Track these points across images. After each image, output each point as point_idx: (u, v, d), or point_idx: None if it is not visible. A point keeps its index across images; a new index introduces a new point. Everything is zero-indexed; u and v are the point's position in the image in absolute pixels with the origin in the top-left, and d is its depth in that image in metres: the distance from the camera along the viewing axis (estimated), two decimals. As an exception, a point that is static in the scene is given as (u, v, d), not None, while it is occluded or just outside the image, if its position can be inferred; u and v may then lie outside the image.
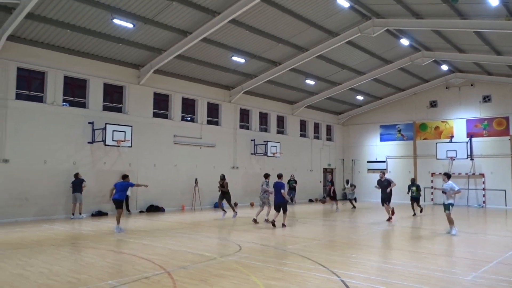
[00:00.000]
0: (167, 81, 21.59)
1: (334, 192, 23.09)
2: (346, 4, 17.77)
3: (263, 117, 27.86)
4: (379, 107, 32.32)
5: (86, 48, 17.99)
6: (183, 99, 22.66)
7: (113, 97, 19.88)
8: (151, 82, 20.69)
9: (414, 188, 19.60)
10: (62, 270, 7.83)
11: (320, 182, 31.76)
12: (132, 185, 13.77)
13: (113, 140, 18.17)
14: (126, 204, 18.97)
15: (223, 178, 18.30)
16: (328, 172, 32.53)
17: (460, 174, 27.51)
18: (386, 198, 17.10)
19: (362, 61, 24.49)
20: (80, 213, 17.12)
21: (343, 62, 24.24)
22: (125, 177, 14.00)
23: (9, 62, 16.14)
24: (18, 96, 16.51)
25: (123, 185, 13.56)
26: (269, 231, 13.56)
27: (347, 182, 26.55)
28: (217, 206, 19.55)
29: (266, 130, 27.88)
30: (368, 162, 32.46)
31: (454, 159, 27.21)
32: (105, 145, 18.15)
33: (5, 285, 6.74)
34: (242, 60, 21.58)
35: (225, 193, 18.09)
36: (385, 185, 17.15)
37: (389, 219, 16.93)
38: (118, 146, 18.46)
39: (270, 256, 9.25)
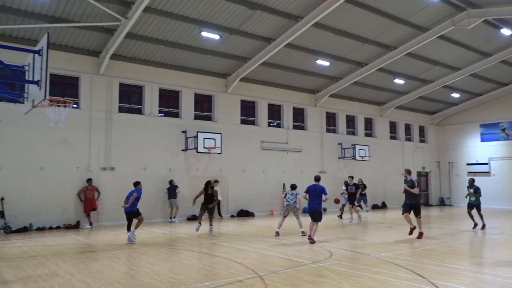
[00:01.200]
0: (253, 88, 22.11)
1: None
2: (437, -3, 16.78)
3: (350, 120, 27.24)
4: (479, 104, 29.88)
5: (177, 61, 19.13)
6: (269, 105, 23.02)
7: (203, 106, 20.85)
8: (238, 90, 21.33)
9: (471, 191, 15.39)
10: (163, 270, 8.36)
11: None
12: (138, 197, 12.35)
13: (204, 148, 19.07)
14: (218, 209, 19.72)
15: (208, 184, 14.41)
16: (422, 175, 30.74)
17: None
18: (414, 206, 12.85)
19: (457, 56, 22.89)
20: (175, 217, 18.20)
21: (435, 58, 22.88)
22: (136, 184, 12.72)
23: (113, 79, 17.73)
24: (121, 109, 18.06)
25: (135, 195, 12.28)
26: (360, 238, 13.18)
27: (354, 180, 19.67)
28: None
29: (353, 133, 27.22)
30: (467, 164, 30.09)
31: None
32: (197, 152, 19.10)
33: (115, 282, 7.37)
34: (326, 63, 21.35)
35: (209, 202, 14.27)
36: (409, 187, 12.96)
37: (413, 232, 12.92)
38: (209, 153, 19.32)
39: (362, 263, 8.99)
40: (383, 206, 27.35)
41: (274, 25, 17.52)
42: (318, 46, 19.93)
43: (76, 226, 16.21)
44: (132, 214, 12.26)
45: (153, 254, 10.32)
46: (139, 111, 18.70)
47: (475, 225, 15.26)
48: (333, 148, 25.56)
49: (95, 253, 10.55)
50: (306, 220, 13.11)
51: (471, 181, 15.81)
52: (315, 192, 12.20)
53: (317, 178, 12.72)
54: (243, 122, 21.98)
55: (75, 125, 16.17)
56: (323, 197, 12.15)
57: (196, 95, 20.38)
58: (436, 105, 30.55)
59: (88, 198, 16.42)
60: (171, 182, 18.41)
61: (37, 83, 8.41)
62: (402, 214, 12.94)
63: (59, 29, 15.55)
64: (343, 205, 19.12)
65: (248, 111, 22.40)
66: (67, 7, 14.49)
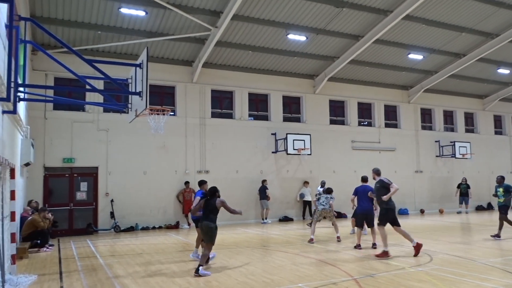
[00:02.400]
0: (342, 88, 21.70)
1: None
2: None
3: (448, 116, 25.47)
4: None
5: (265, 65, 19.49)
6: (359, 103, 22.43)
7: (292, 108, 20.97)
8: (326, 90, 21.09)
9: (500, 190, 12.86)
10: (257, 270, 8.57)
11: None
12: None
13: (294, 149, 19.17)
14: (309, 210, 19.68)
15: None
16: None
17: None
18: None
19: None
20: (266, 218, 18.50)
21: (547, 43, 20.49)
22: (202, 183, 10.40)
23: (205, 86, 18.64)
24: (213, 114, 18.90)
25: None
26: (463, 241, 12.25)
27: (323, 185, 16.19)
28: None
29: (452, 130, 25.41)
30: None
31: None
32: (287, 154, 19.26)
33: (213, 280, 7.73)
34: (419, 57, 20.25)
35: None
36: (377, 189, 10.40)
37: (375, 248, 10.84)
38: (299, 154, 19.38)
39: (467, 269, 8.35)
40: (489, 207, 25.06)
41: (361, 21, 17.07)
42: (410, 40, 18.97)
43: (176, 226, 17.29)
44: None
45: (247, 254, 10.62)
46: (230, 116, 19.39)
47: (497, 235, 12.56)
48: (429, 146, 24.08)
49: (192, 252, 11.11)
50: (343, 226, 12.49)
51: (500, 179, 13.19)
52: (365, 193, 11.34)
53: (365, 179, 11.88)
54: (332, 122, 21.67)
55: (172, 131, 17.25)
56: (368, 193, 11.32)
57: (284, 97, 20.58)
58: (550, 95, 27.32)
59: (186, 200, 17.40)
60: (263, 182, 18.83)
61: (139, 94, 9.16)
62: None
63: (156, 43, 16.74)
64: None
65: (337, 111, 22.04)
66: (162, 22, 15.57)
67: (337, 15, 16.40)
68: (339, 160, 21.19)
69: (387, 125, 23.12)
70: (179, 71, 18.26)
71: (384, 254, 9.70)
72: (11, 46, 7.65)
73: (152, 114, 12.17)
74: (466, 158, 24.03)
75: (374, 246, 11.08)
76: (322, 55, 19.32)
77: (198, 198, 9.57)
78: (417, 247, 9.85)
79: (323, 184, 15.26)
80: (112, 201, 16.48)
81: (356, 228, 11.46)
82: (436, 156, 24.18)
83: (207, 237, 8.48)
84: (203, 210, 8.67)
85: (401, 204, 22.43)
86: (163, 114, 12.32)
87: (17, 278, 7.88)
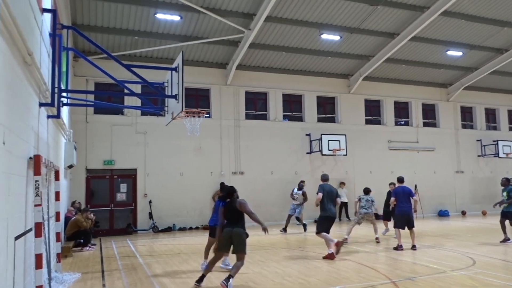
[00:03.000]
0: (377, 87, 21.32)
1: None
2: None
3: (490, 114, 24.51)
4: None
5: (299, 65, 19.42)
6: (395, 102, 21.96)
7: (326, 108, 20.79)
8: (361, 89, 20.77)
9: (504, 194, 11.97)
10: (293, 272, 8.54)
11: None
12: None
13: (329, 150, 19.00)
14: (346, 212, 19.44)
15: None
16: None
17: None
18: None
19: None
20: (301, 220, 18.36)
21: None
22: (223, 188, 8.99)
23: (239, 88, 18.78)
24: (247, 116, 19.01)
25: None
26: (510, 245, 11.75)
27: (301, 187, 16.37)
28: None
29: (495, 128, 24.45)
30: None
31: None
32: (322, 154, 19.10)
33: (249, 281, 7.78)
34: (459, 53, 19.62)
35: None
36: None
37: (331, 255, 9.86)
38: (334, 155, 19.18)
39: (513, 273, 8.01)
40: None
41: (397, 19, 16.71)
42: (448, 36, 18.40)
43: (212, 227, 17.46)
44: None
45: (284, 255, 10.61)
46: (264, 117, 19.44)
47: (505, 239, 11.84)
48: (470, 145, 23.24)
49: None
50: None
51: (504, 181, 12.07)
52: (405, 195, 11.23)
53: (402, 180, 11.75)
54: (368, 122, 21.31)
55: (207, 133, 17.46)
56: (412, 198, 11.32)
57: (318, 97, 20.43)
58: None
59: (222, 201, 17.54)
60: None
61: (175, 97, 9.33)
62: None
63: (191, 46, 17.02)
64: (290, 215, 16.00)
65: (372, 110, 21.66)
66: (196, 26, 15.82)
67: (371, 13, 16.14)
68: (375, 160, 20.80)
69: (425, 124, 22.51)
70: (213, 73, 18.48)
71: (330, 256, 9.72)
72: (55, 53, 7.99)
73: (187, 116, 12.40)
74: (510, 158, 23.04)
75: (413, 247, 10.82)
76: (357, 54, 19.05)
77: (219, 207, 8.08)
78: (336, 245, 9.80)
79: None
80: (150, 202, 16.88)
81: (395, 229, 11.22)
82: (478, 155, 23.30)
83: (240, 247, 7.46)
84: (227, 217, 7.66)
85: (441, 205, 21.79)
86: (199, 116, 12.53)
87: (62, 276, 8.21)
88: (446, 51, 19.42)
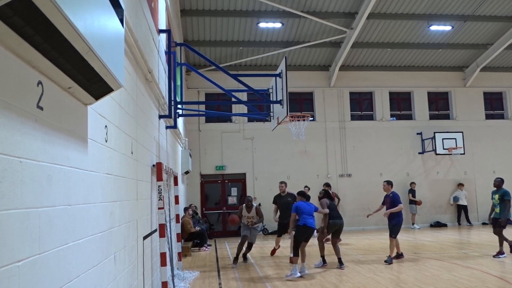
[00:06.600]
0: (498, 77, 19.32)
1: None
2: None
3: None
4: None
5: (406, 61, 18.47)
6: (522, 93, 19.66)
7: (438, 104, 19.43)
8: (479, 81, 19.00)
9: (495, 198, 10.20)
10: (409, 278, 8.13)
11: None
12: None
13: (443, 149, 17.71)
14: (466, 215, 17.94)
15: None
16: None
17: None
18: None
19: None
20: (413, 223, 17.44)
21: None
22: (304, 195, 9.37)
23: (343, 89, 18.48)
24: (352, 117, 18.60)
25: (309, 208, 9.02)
26: None
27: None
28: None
29: None
30: None
31: None
32: (436, 154, 17.88)
33: (361, 286, 7.59)
34: None
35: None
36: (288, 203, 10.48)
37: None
38: (450, 154, 17.82)
39: None
40: None
41: (519, 0, 15.00)
42: None
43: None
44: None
45: (397, 261, 10.14)
46: (370, 117, 18.83)
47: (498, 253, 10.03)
48: None
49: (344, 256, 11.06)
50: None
51: (499, 182, 10.27)
52: None
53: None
54: (488, 117, 19.39)
55: (312, 136, 17.46)
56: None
57: (429, 93, 19.17)
58: None
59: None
60: (411, 185, 17.85)
61: (279, 102, 9.54)
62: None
63: (293, 51, 17.23)
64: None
65: (494, 103, 19.66)
66: (298, 31, 15.97)
67: (488, -2, 14.72)
68: (499, 159, 18.81)
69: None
70: (316, 76, 18.45)
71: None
72: (170, 69, 8.74)
73: (292, 120, 12.56)
74: None
75: None
76: (472, 43, 17.49)
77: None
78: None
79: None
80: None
81: None
82: None
83: (338, 233, 9.94)
84: (330, 210, 9.79)
85: None
86: (303, 120, 12.61)
87: (183, 274, 8.91)
88: None
